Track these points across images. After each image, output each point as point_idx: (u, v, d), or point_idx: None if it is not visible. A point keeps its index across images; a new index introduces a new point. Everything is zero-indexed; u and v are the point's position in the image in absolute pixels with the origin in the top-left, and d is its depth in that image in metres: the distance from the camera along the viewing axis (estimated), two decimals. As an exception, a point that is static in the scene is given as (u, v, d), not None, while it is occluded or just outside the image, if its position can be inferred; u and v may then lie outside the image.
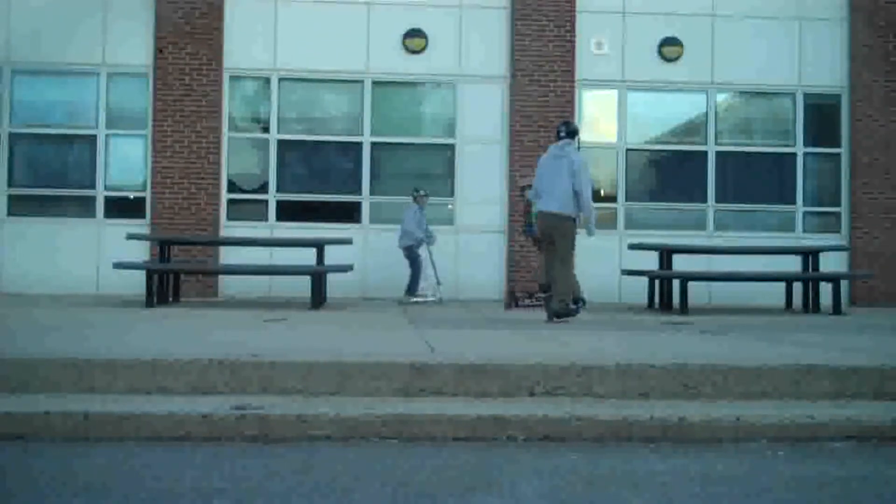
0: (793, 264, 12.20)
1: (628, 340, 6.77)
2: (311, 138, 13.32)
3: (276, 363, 4.94)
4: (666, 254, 11.24)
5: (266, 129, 13.22)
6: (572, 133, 8.83)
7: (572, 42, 13.20)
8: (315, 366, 4.94)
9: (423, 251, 12.21)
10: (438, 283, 12.18)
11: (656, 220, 13.55)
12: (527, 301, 10.92)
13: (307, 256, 10.93)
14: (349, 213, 13.14)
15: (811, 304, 11.36)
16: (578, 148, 8.92)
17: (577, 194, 8.57)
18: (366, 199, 13.16)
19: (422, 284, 12.20)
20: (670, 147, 13.90)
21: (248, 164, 13.33)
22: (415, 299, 11.99)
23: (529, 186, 9.62)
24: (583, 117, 13.40)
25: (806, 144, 13.72)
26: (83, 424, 4.26)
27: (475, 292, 12.59)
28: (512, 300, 11.00)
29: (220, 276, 12.69)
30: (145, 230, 12.53)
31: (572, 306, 8.68)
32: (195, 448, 4.09)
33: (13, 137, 12.93)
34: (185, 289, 11.92)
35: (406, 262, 12.15)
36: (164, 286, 10.86)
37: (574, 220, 8.67)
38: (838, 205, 13.75)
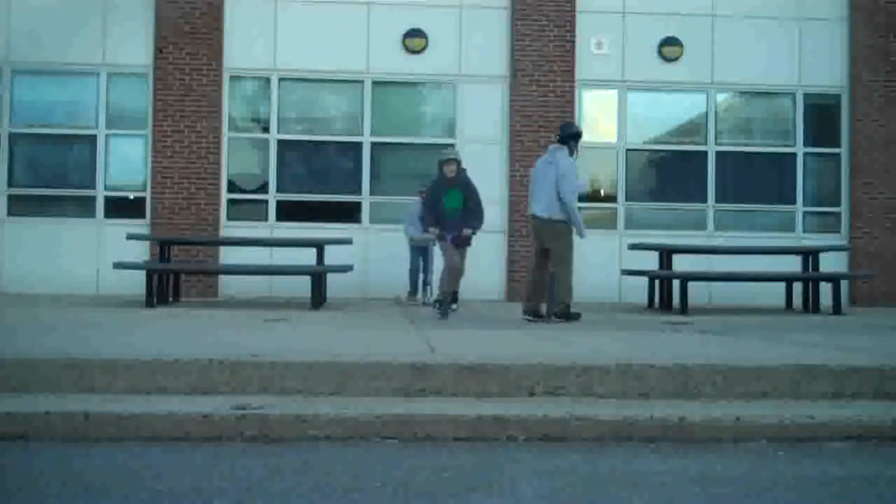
0: (793, 264, 12.20)
1: (628, 340, 6.77)
2: (311, 138, 13.32)
3: (276, 363, 4.93)
4: (666, 254, 11.24)
5: (266, 129, 13.22)
6: (566, 138, 8.86)
7: (572, 42, 13.20)
8: (315, 366, 4.94)
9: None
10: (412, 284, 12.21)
11: (656, 220, 13.55)
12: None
13: (307, 256, 10.94)
14: (349, 213, 13.14)
15: (811, 304, 11.36)
16: (571, 152, 8.84)
17: (559, 200, 8.64)
18: (366, 199, 13.17)
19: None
20: (670, 147, 13.90)
21: (248, 164, 13.33)
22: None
23: None
24: (583, 117, 13.39)
25: (806, 144, 13.72)
26: (83, 424, 4.26)
27: (475, 292, 12.59)
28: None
29: (220, 276, 12.69)
30: (145, 230, 12.53)
31: (570, 311, 8.62)
32: (195, 448, 4.09)
33: (13, 137, 12.94)
34: (185, 289, 11.93)
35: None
36: (164, 286, 10.86)
37: (566, 222, 8.70)
38: (838, 205, 13.76)
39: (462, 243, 9.59)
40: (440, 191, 9.65)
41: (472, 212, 9.56)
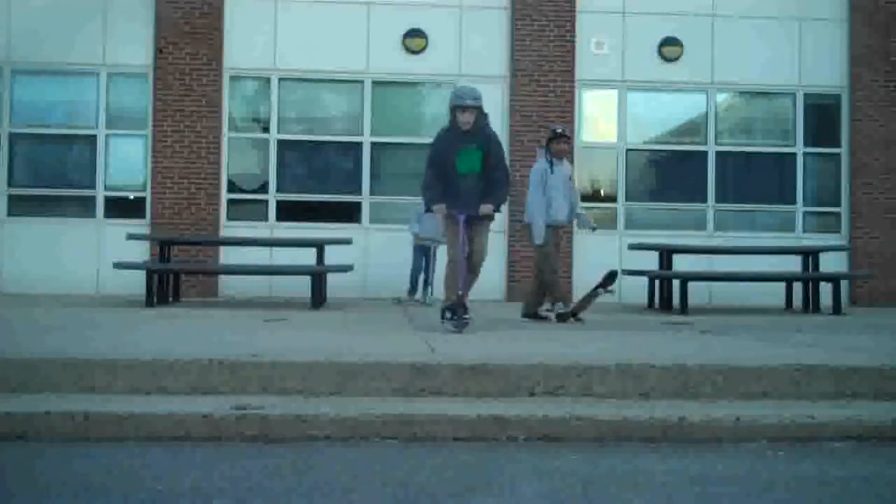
0: (793, 264, 12.20)
1: (628, 340, 6.77)
2: (311, 138, 13.32)
3: (276, 363, 4.93)
4: (666, 254, 11.24)
5: (266, 129, 13.22)
6: (548, 139, 8.94)
7: (572, 42, 13.20)
8: (315, 366, 4.94)
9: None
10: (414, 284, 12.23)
11: (656, 220, 13.55)
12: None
13: (307, 256, 10.93)
14: (349, 213, 13.14)
15: (811, 304, 11.36)
16: (547, 153, 8.88)
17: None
18: (366, 199, 13.17)
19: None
20: (670, 147, 13.91)
21: (248, 164, 13.33)
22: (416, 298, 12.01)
23: None
24: (583, 117, 13.40)
25: (806, 144, 13.72)
26: (83, 424, 4.26)
27: (475, 293, 12.51)
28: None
29: (220, 276, 12.69)
30: (145, 230, 12.53)
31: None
32: (195, 448, 4.09)
33: (13, 137, 12.94)
34: (185, 289, 11.92)
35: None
36: (164, 286, 10.86)
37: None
38: (838, 205, 13.76)
39: (481, 219, 7.35)
40: (450, 147, 7.22)
41: (494, 178, 7.24)
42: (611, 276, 8.92)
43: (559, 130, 8.96)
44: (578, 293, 9.19)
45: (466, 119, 7.08)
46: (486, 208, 7.19)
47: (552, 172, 8.78)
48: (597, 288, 8.91)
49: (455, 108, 7.11)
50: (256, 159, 13.28)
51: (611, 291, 8.87)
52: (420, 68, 13.29)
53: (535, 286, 9.00)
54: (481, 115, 7.15)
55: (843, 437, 4.41)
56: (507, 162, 8.06)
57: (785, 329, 8.22)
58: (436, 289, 11.41)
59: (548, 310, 8.88)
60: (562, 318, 8.68)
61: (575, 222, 9.29)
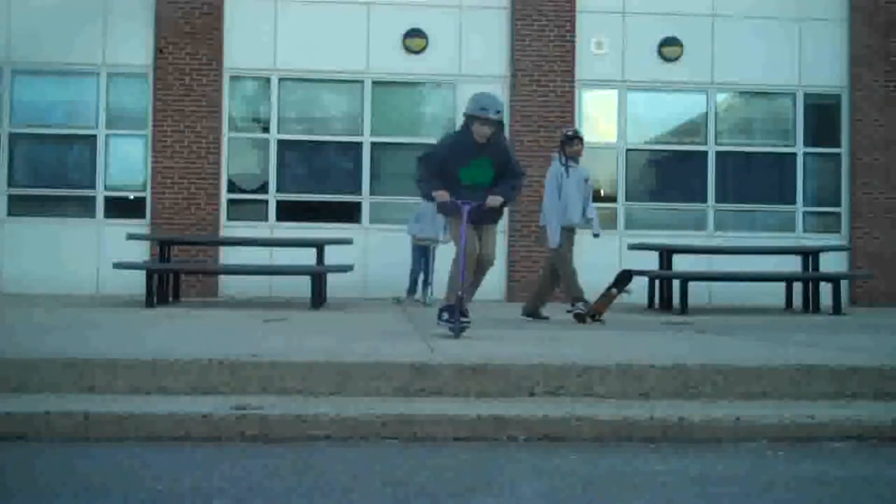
0: (793, 264, 12.20)
1: (628, 340, 6.77)
2: (311, 138, 13.32)
3: (276, 363, 4.93)
4: (666, 254, 11.25)
5: (266, 129, 13.23)
6: (562, 142, 8.95)
7: (572, 42, 13.20)
8: (315, 366, 4.93)
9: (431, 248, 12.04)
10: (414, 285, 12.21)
11: (656, 220, 13.55)
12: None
13: (307, 256, 10.94)
14: (349, 213, 13.15)
15: (811, 304, 11.36)
16: (567, 158, 8.86)
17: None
18: (366, 199, 13.17)
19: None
20: (670, 147, 13.91)
21: (248, 164, 13.34)
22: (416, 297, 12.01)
23: None
24: (583, 117, 13.40)
25: (806, 144, 13.73)
26: (83, 424, 4.26)
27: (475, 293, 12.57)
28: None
29: (220, 276, 12.69)
30: (145, 230, 12.53)
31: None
32: (195, 448, 4.09)
33: (13, 137, 12.94)
34: (185, 289, 11.92)
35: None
36: (164, 286, 10.86)
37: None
38: (838, 205, 13.76)
39: (486, 220, 6.71)
40: (458, 158, 6.58)
41: (508, 181, 6.66)
42: (625, 276, 8.91)
43: (571, 132, 8.98)
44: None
45: (484, 133, 6.43)
46: (493, 200, 6.55)
47: (567, 175, 8.77)
48: (610, 288, 8.90)
49: (473, 118, 6.43)
50: (256, 159, 13.29)
51: (627, 292, 8.89)
52: (420, 68, 13.30)
53: (541, 286, 8.96)
54: (499, 127, 6.56)
55: (843, 437, 4.41)
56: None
57: (785, 329, 8.22)
58: (435, 289, 11.41)
59: (568, 310, 8.85)
60: (580, 318, 8.65)
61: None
